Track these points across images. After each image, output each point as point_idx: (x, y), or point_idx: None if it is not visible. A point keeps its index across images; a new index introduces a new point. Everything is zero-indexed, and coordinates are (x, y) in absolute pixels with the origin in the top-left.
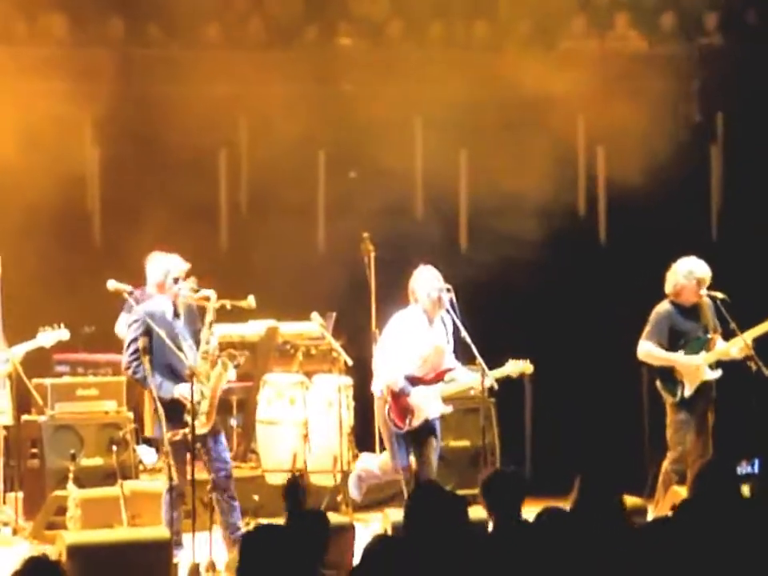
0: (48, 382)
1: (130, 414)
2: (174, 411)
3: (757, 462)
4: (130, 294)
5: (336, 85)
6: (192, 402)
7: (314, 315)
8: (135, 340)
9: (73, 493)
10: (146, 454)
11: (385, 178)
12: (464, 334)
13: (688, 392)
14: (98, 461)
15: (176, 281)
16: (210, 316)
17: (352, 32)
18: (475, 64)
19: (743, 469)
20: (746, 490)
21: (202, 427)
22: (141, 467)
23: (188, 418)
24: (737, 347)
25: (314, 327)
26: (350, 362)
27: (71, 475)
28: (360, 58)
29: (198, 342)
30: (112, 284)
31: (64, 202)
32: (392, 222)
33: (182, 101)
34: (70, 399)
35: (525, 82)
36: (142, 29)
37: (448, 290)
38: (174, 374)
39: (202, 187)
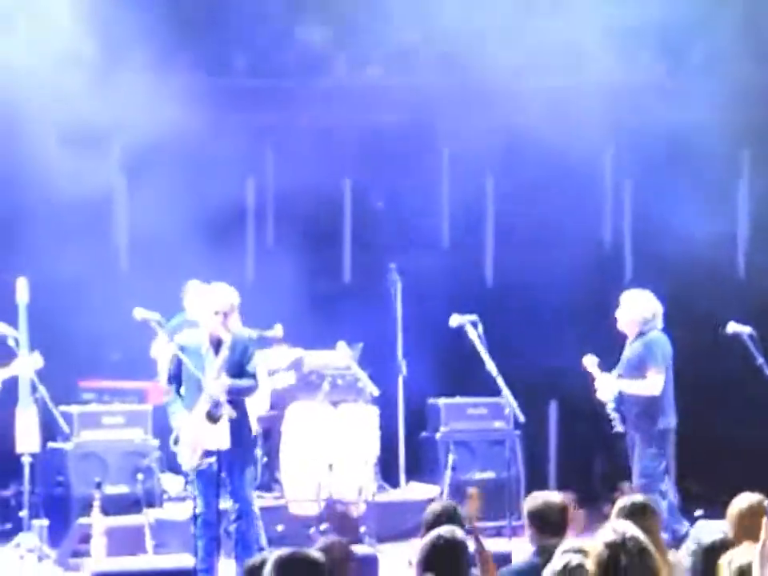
0: (74, 409)
1: (156, 442)
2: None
3: None
4: (158, 323)
5: (365, 115)
6: None
7: (341, 345)
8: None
9: (98, 521)
10: (171, 483)
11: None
12: (490, 366)
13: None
14: (123, 488)
15: (224, 315)
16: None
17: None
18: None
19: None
20: None
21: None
22: (166, 495)
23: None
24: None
25: (341, 357)
26: (377, 392)
27: (96, 503)
28: (389, 88)
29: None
30: (139, 312)
31: (92, 227)
32: (418, 253)
33: (214, 129)
34: (95, 426)
35: (548, 110)
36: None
37: (474, 322)
38: (190, 408)
39: (229, 216)
